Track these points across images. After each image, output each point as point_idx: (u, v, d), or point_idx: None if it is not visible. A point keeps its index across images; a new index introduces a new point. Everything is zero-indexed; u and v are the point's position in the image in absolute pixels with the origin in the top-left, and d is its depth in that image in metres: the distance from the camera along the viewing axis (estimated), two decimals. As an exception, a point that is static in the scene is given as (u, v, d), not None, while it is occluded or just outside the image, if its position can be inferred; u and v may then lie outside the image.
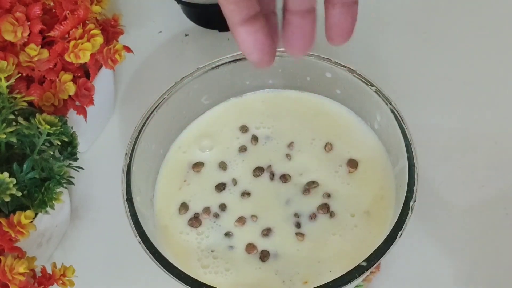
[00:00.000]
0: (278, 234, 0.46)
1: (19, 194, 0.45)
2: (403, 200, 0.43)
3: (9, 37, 0.49)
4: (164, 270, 0.42)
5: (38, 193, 0.48)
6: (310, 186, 0.48)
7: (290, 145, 0.50)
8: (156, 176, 0.50)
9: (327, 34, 0.34)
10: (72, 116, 0.53)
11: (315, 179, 0.48)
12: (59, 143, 0.48)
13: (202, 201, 0.48)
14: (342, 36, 0.34)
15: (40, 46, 0.50)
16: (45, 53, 0.50)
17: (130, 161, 0.46)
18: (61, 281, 0.46)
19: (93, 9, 0.53)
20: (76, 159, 0.51)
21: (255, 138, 0.51)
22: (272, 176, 0.49)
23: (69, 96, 0.52)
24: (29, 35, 0.50)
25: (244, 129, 0.52)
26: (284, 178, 0.49)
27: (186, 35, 0.69)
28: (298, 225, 0.46)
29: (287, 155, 0.50)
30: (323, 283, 0.40)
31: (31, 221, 0.46)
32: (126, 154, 0.46)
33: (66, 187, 0.51)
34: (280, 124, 0.52)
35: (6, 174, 0.45)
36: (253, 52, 0.33)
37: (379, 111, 0.48)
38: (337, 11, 0.33)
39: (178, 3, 0.66)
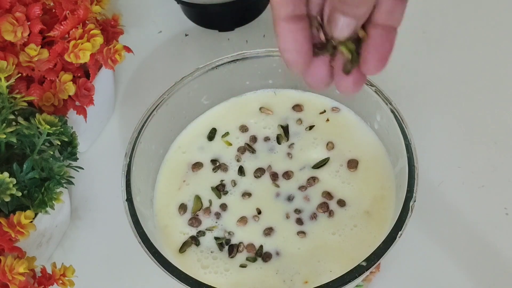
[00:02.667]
0: (279, 233, 0.46)
1: (19, 194, 0.45)
2: (403, 200, 0.43)
3: (9, 37, 0.49)
4: (164, 270, 0.42)
5: (38, 193, 0.48)
6: (310, 183, 0.48)
7: (291, 145, 0.50)
8: (156, 176, 0.50)
9: (364, 57, 0.33)
10: (72, 116, 0.53)
11: (315, 176, 0.48)
12: (59, 143, 0.48)
13: (202, 201, 0.48)
14: (380, 61, 0.33)
15: (40, 46, 0.50)
16: (45, 53, 0.50)
17: (130, 161, 0.46)
18: (61, 281, 0.46)
19: (93, 9, 0.53)
20: (76, 159, 0.51)
21: (254, 138, 0.51)
22: (272, 176, 0.49)
23: (69, 96, 0.52)
24: (29, 35, 0.50)
25: (243, 129, 0.52)
26: (287, 175, 0.49)
27: (186, 35, 0.69)
28: (299, 221, 0.46)
29: (288, 154, 0.50)
30: (323, 283, 0.40)
31: (31, 221, 0.46)
32: (126, 154, 0.47)
33: (66, 187, 0.51)
34: (280, 124, 0.52)
35: (6, 174, 0.45)
36: (289, 51, 0.32)
37: (379, 111, 0.48)
38: (378, 33, 0.32)
39: (178, 3, 0.66)
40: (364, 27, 0.33)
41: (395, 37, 0.33)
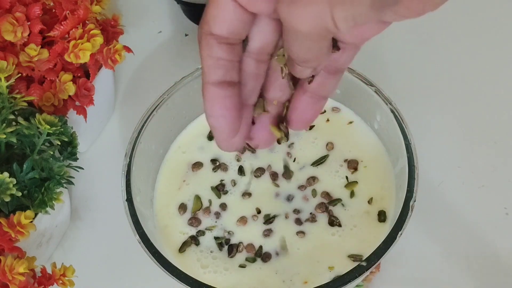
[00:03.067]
0: (279, 233, 0.46)
1: (19, 194, 0.45)
2: (403, 200, 0.43)
3: (9, 37, 0.49)
4: (164, 270, 0.42)
5: (38, 193, 0.48)
6: (309, 183, 0.48)
7: (291, 145, 0.50)
8: (156, 176, 0.50)
9: (289, 115, 0.34)
10: (72, 116, 0.53)
11: (315, 175, 0.48)
12: (59, 143, 0.48)
13: (202, 201, 0.48)
14: (302, 124, 0.34)
15: (40, 46, 0.50)
16: (45, 53, 0.50)
17: (130, 161, 0.46)
18: (61, 281, 0.46)
19: (93, 9, 0.53)
20: (76, 159, 0.51)
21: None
22: (272, 175, 0.49)
23: (69, 96, 0.52)
24: (29, 35, 0.50)
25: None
26: (288, 174, 0.49)
27: (186, 35, 0.69)
28: (299, 222, 0.46)
29: (288, 153, 0.50)
30: (323, 283, 0.40)
31: (31, 221, 0.46)
32: (126, 154, 0.46)
33: (66, 187, 0.51)
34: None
35: (6, 174, 0.45)
36: (215, 117, 0.31)
37: (379, 111, 0.48)
38: (306, 99, 0.33)
39: (178, 3, 0.66)
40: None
41: (323, 105, 0.34)
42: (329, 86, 0.33)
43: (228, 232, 0.47)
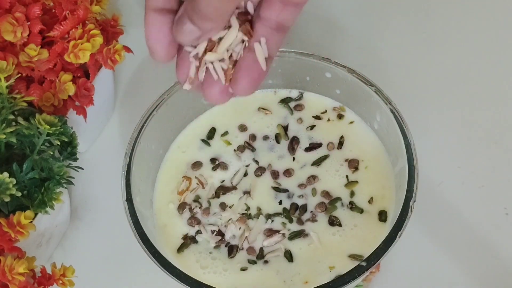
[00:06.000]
0: (279, 233, 0.46)
1: (19, 194, 0.45)
2: (403, 200, 0.43)
3: (9, 37, 0.49)
4: (164, 270, 0.42)
5: (38, 193, 0.48)
6: (310, 182, 0.48)
7: (290, 144, 0.50)
8: (155, 176, 0.50)
9: (235, 77, 0.34)
10: (72, 116, 0.53)
11: (315, 175, 0.48)
12: (59, 143, 0.48)
13: (202, 201, 0.48)
14: (250, 84, 0.34)
15: (40, 46, 0.50)
16: (45, 53, 0.50)
17: (130, 161, 0.46)
18: (61, 281, 0.46)
19: (93, 9, 0.53)
20: (76, 159, 0.51)
21: (254, 137, 0.51)
22: (273, 174, 0.49)
23: (69, 96, 0.52)
24: (29, 35, 0.50)
25: (243, 128, 0.52)
26: (288, 172, 0.49)
27: (186, 35, 0.69)
28: (299, 221, 0.46)
29: (288, 152, 0.50)
30: (323, 283, 0.40)
31: (31, 221, 0.46)
32: (126, 154, 0.47)
33: (65, 187, 0.51)
34: (280, 123, 0.52)
35: (6, 174, 0.45)
36: (153, 40, 0.35)
37: (379, 111, 0.48)
38: (252, 57, 0.33)
39: (178, 3, 0.66)
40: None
41: (269, 65, 0.34)
42: (274, 44, 0.34)
43: (228, 232, 0.47)
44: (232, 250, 0.46)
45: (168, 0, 0.33)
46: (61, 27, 0.51)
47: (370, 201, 0.47)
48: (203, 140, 0.51)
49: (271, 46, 0.34)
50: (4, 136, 0.46)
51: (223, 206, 0.48)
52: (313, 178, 0.48)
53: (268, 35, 0.33)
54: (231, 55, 0.34)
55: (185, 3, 0.32)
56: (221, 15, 0.31)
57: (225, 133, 0.52)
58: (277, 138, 0.51)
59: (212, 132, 0.52)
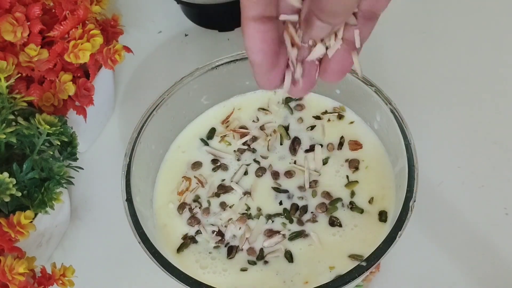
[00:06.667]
0: (279, 233, 0.46)
1: (19, 194, 0.45)
2: (403, 200, 0.43)
3: (9, 37, 0.49)
4: (164, 270, 0.42)
5: (38, 193, 0.48)
6: (310, 183, 0.48)
7: (291, 145, 0.50)
8: (155, 176, 0.50)
9: (323, 66, 0.34)
10: (72, 116, 0.53)
11: (316, 178, 0.48)
12: (59, 143, 0.48)
13: (201, 201, 0.48)
14: (337, 73, 0.34)
15: (40, 46, 0.50)
16: (45, 53, 0.50)
17: (130, 161, 0.46)
18: (61, 281, 0.46)
19: (93, 9, 0.53)
20: (76, 159, 0.51)
21: (254, 138, 0.51)
22: (273, 175, 0.49)
23: (69, 96, 0.52)
24: (29, 35, 0.50)
25: (243, 128, 0.52)
26: (289, 174, 0.49)
27: (186, 35, 0.69)
28: (300, 222, 0.46)
29: (290, 152, 0.50)
30: (323, 283, 0.40)
31: (31, 221, 0.46)
32: (126, 154, 0.47)
33: (66, 187, 0.51)
34: (280, 124, 0.52)
35: (6, 174, 0.45)
36: (256, 52, 0.32)
37: (379, 111, 0.48)
38: (342, 47, 0.33)
39: (178, 3, 0.66)
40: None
41: (359, 54, 0.34)
42: (364, 33, 0.33)
43: (228, 232, 0.47)
44: (231, 251, 0.46)
45: (267, 6, 0.31)
46: (61, 27, 0.51)
47: (370, 201, 0.47)
48: (203, 140, 0.51)
49: (363, 35, 0.33)
50: (4, 136, 0.46)
51: (223, 205, 0.48)
52: (314, 182, 0.48)
53: (359, 25, 0.33)
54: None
55: (308, 4, 0.31)
56: (349, 10, 0.30)
57: (225, 134, 0.52)
58: (279, 139, 0.51)
59: (212, 132, 0.52)
